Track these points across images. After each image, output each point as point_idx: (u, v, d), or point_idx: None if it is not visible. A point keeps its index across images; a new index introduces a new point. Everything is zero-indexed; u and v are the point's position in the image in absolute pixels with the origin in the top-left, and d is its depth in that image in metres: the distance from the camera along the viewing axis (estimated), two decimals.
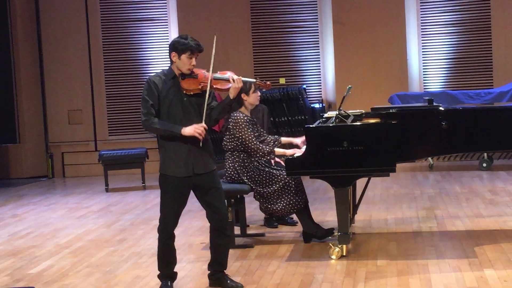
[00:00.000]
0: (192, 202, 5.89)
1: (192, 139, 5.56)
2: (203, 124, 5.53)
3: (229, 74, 5.67)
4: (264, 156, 7.25)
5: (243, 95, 7.26)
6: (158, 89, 5.60)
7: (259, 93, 7.51)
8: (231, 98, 5.62)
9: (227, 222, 5.86)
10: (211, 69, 5.61)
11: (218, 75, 5.68)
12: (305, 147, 6.76)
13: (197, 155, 5.62)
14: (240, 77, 5.66)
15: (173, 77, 5.65)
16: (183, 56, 5.59)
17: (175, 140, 5.61)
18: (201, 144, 5.54)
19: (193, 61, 5.62)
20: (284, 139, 7.55)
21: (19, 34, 13.85)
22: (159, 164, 5.77)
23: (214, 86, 5.64)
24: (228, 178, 7.32)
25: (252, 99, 7.40)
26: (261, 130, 7.57)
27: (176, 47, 5.61)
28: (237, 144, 7.29)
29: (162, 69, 5.81)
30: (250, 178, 7.26)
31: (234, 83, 5.59)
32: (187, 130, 5.52)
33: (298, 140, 7.35)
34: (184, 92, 5.62)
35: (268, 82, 5.85)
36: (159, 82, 5.63)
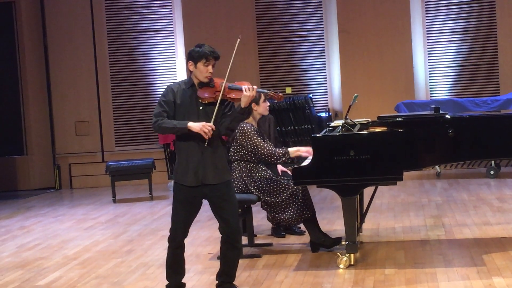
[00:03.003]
0: (200, 212, 5.88)
1: (204, 147, 5.55)
2: (211, 124, 5.53)
3: (246, 85, 5.67)
4: (279, 158, 7.22)
5: (253, 105, 7.29)
6: (175, 96, 5.62)
7: (268, 103, 7.54)
8: (242, 106, 5.61)
9: (238, 234, 5.83)
10: (226, 77, 5.60)
11: (234, 85, 5.67)
12: (312, 156, 6.76)
13: (208, 165, 5.60)
14: (255, 86, 5.66)
15: (191, 86, 5.67)
16: (199, 64, 5.60)
17: (187, 148, 5.61)
18: (206, 143, 5.52)
19: (210, 69, 5.61)
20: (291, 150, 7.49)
21: (25, 46, 13.91)
22: (168, 174, 5.78)
23: (228, 96, 5.63)
24: (235, 188, 7.32)
25: (262, 109, 7.44)
26: (267, 141, 7.56)
27: (192, 56, 5.63)
28: (245, 153, 7.29)
29: (183, 79, 5.84)
30: (257, 188, 7.27)
31: (247, 91, 5.59)
32: (194, 126, 5.50)
33: (304, 149, 7.32)
34: (200, 100, 5.63)
35: (280, 94, 5.87)
36: (177, 89, 5.65)
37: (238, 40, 5.68)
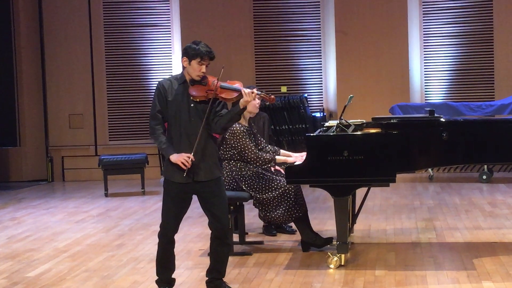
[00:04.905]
0: (192, 208, 5.88)
1: (193, 143, 5.56)
2: (191, 155, 5.51)
3: (237, 85, 5.66)
4: (264, 164, 7.26)
5: None
6: (166, 93, 5.63)
7: (258, 101, 7.51)
8: (241, 108, 5.62)
9: (228, 231, 5.85)
10: (219, 77, 5.60)
11: (226, 84, 5.66)
12: (305, 155, 6.76)
13: (198, 162, 5.60)
14: (252, 90, 5.66)
15: (183, 82, 5.66)
16: (193, 62, 5.59)
17: (177, 145, 5.61)
18: (184, 174, 5.53)
19: (203, 68, 5.60)
20: (282, 153, 7.52)
21: (21, 38, 13.87)
22: (160, 169, 5.80)
23: (220, 95, 5.62)
24: (227, 187, 7.31)
25: (251, 107, 7.39)
26: (260, 139, 7.57)
27: (187, 52, 5.62)
28: (234, 153, 7.30)
29: (175, 74, 5.83)
30: (248, 186, 7.26)
31: (245, 96, 5.59)
32: (174, 158, 5.55)
33: (293, 158, 7.34)
34: (191, 98, 5.62)
35: (272, 96, 5.87)
36: (168, 86, 5.65)
37: (222, 70, 5.65)
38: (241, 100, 5.60)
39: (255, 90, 5.66)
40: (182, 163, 5.50)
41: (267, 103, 7.14)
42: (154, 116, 5.67)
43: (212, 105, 5.59)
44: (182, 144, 5.60)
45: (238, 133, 7.23)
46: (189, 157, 5.50)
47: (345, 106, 7.11)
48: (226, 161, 7.36)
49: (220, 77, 5.60)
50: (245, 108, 5.66)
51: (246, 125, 7.41)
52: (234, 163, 7.33)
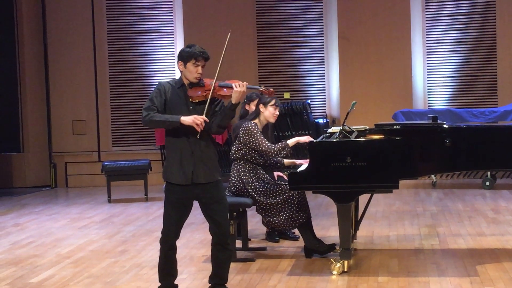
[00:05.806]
0: (194, 214, 5.89)
1: (194, 146, 5.57)
2: (204, 116, 5.52)
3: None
4: (279, 152, 7.21)
5: (260, 106, 7.32)
6: (166, 94, 5.63)
7: (277, 112, 7.47)
8: (233, 102, 5.62)
9: (229, 236, 5.84)
10: (216, 75, 5.61)
11: (224, 82, 5.68)
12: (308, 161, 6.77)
13: (198, 164, 5.60)
14: (246, 82, 5.66)
15: (181, 86, 5.68)
16: (189, 64, 5.61)
17: (177, 147, 5.61)
18: (198, 136, 5.52)
19: (199, 69, 5.62)
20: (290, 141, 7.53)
21: (25, 44, 13.89)
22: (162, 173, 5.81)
23: (219, 93, 5.64)
24: (232, 188, 7.32)
25: (268, 112, 7.40)
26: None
27: (182, 56, 5.65)
28: (246, 152, 7.30)
29: (174, 78, 5.84)
30: (254, 188, 7.27)
31: (238, 87, 5.59)
32: (186, 119, 5.50)
33: (303, 138, 7.37)
34: (190, 100, 5.63)
35: (271, 89, 5.89)
36: (168, 88, 5.67)
37: (229, 34, 5.66)
38: (233, 93, 5.60)
39: (245, 84, 5.63)
40: (197, 124, 5.48)
41: (267, 97, 7.21)
42: (148, 107, 5.60)
43: (210, 105, 5.59)
44: (181, 145, 5.60)
45: (251, 129, 7.25)
46: (203, 118, 5.49)
47: (348, 112, 7.12)
48: (236, 161, 7.38)
49: (227, 44, 5.57)
50: (237, 104, 5.62)
51: (260, 127, 7.43)
52: (243, 164, 7.33)
